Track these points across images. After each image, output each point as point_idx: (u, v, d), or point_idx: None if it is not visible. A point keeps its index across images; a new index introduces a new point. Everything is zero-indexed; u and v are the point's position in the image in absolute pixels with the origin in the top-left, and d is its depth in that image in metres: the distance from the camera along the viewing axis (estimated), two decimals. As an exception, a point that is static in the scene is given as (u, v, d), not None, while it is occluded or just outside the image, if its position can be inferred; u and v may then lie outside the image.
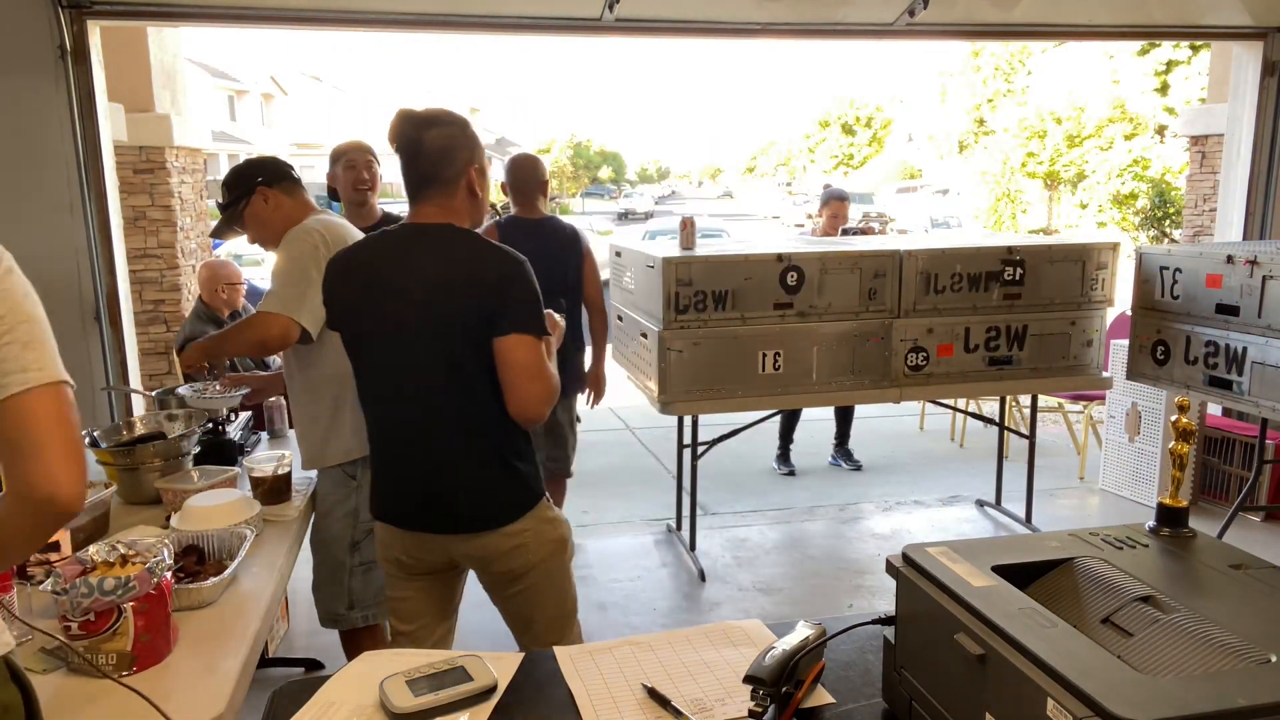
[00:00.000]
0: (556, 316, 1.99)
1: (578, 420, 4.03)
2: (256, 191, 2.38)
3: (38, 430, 1.04)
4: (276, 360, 3.74)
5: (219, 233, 2.53)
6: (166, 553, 1.53)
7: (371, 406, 1.93)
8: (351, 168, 3.43)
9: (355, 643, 2.49)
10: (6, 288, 1.09)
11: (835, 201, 5.29)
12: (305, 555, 3.98)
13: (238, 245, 12.48)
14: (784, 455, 5.48)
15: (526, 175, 3.82)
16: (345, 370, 2.16)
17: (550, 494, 2.00)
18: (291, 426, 2.72)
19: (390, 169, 3.45)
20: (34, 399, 1.05)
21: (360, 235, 2.38)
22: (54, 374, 1.08)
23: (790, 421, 5.45)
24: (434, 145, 1.81)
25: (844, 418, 5.49)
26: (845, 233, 5.29)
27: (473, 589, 2.62)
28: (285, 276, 2.25)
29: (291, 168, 2.50)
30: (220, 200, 2.46)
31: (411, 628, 2.03)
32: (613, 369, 4.43)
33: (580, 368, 3.87)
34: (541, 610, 1.96)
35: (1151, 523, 1.19)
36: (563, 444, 3.94)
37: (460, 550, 1.91)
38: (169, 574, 1.53)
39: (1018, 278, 3.76)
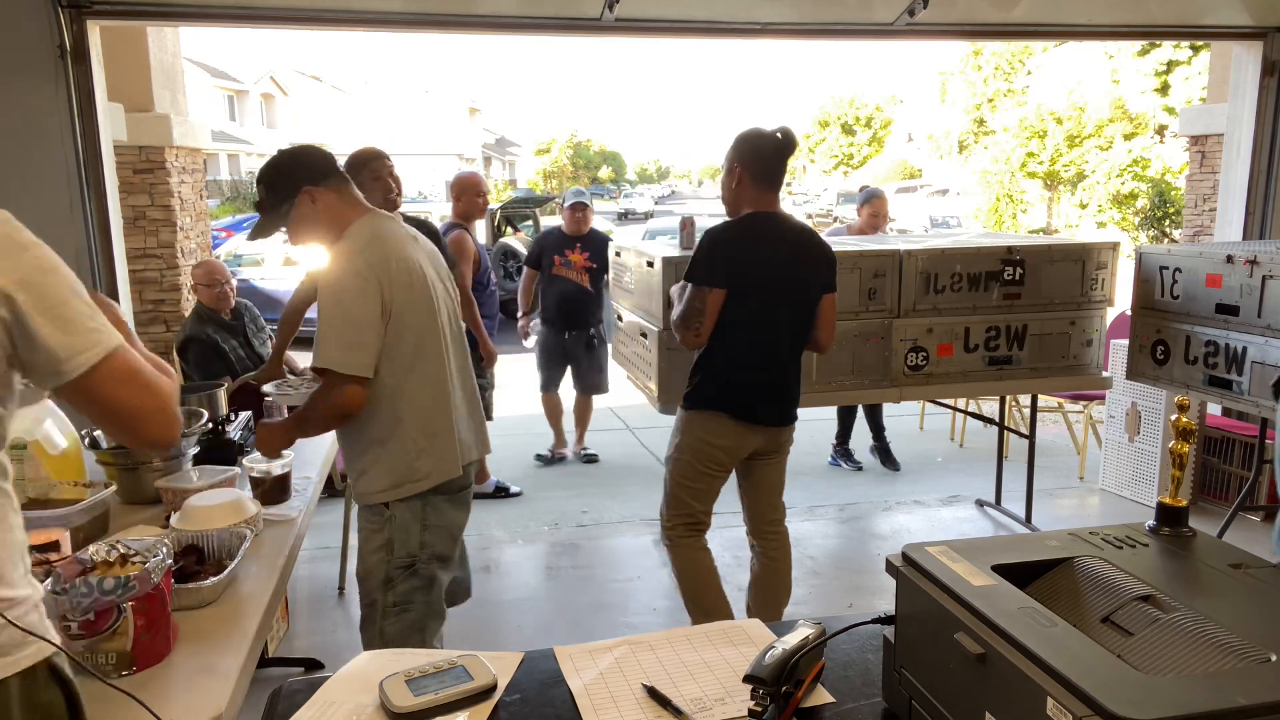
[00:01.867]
0: None
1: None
2: (303, 193, 2.17)
3: (113, 403, 1.17)
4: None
5: (259, 234, 2.27)
6: (166, 552, 1.53)
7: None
8: (377, 178, 3.38)
9: None
10: (25, 277, 1.12)
11: (876, 200, 5.30)
12: (305, 555, 4.00)
13: (238, 245, 12.47)
14: (844, 451, 5.57)
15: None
16: (389, 408, 2.18)
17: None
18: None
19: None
20: (97, 378, 1.14)
21: (410, 233, 2.33)
22: (104, 345, 1.15)
23: (847, 418, 5.54)
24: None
25: (873, 415, 5.53)
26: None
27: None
28: (334, 326, 2.09)
29: (334, 160, 2.29)
30: (258, 199, 2.26)
31: (709, 507, 3.02)
32: (613, 369, 4.44)
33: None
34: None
35: (1151, 522, 1.19)
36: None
37: (782, 439, 3.02)
38: (169, 574, 1.53)
39: (1018, 278, 3.76)
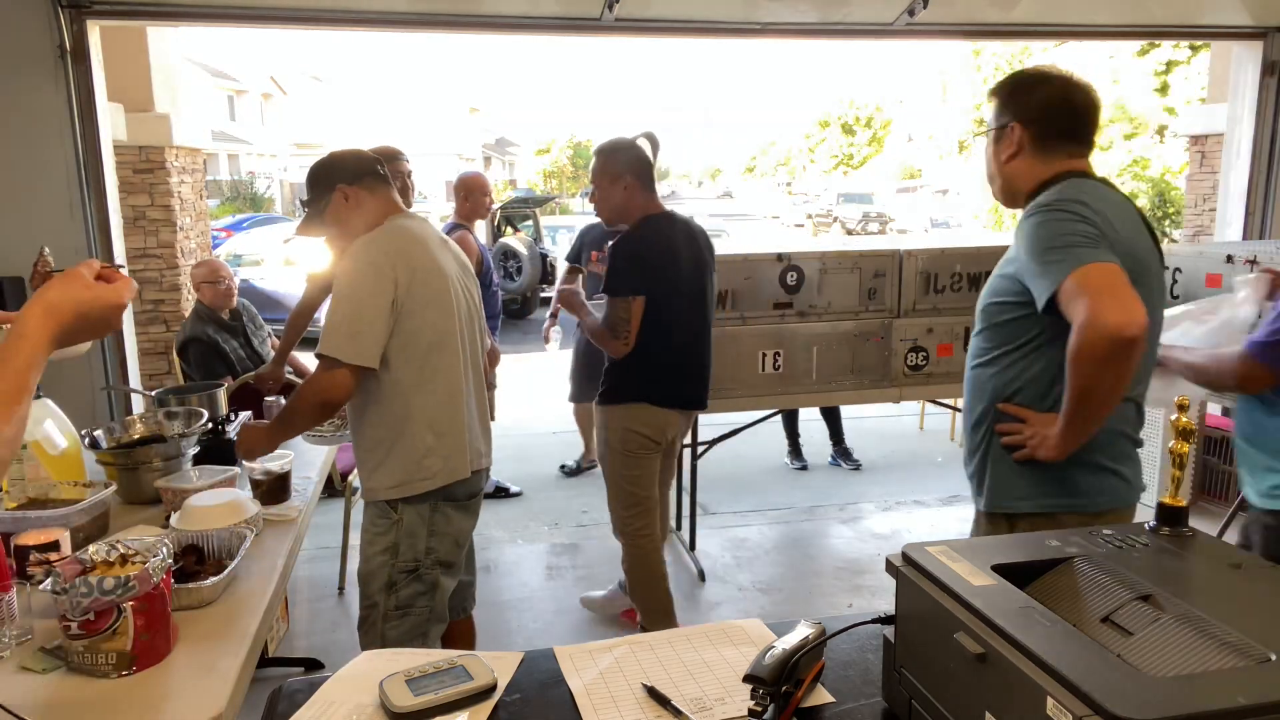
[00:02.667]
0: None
1: None
2: (337, 191, 2.23)
3: None
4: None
5: (302, 231, 2.36)
6: (166, 552, 1.53)
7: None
8: (395, 176, 3.19)
9: None
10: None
11: None
12: (305, 555, 4.00)
13: (238, 245, 12.48)
14: (795, 450, 5.51)
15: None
16: (400, 403, 2.17)
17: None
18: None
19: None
20: None
21: (440, 236, 2.34)
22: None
23: (791, 419, 5.47)
24: None
25: (832, 417, 5.49)
26: None
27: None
28: (342, 314, 2.10)
29: (378, 162, 2.32)
30: (304, 199, 2.34)
31: (652, 491, 3.09)
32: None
33: None
34: None
35: (1151, 522, 1.19)
36: None
37: (688, 424, 3.27)
38: (169, 574, 1.53)
39: (1018, 277, 3.75)
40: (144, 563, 1.48)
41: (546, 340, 5.47)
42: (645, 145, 2.97)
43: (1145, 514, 1.20)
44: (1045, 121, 1.81)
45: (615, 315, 2.88)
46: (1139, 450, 1.85)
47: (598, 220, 4.85)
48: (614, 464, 3.08)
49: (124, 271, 1.19)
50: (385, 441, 2.21)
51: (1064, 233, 1.63)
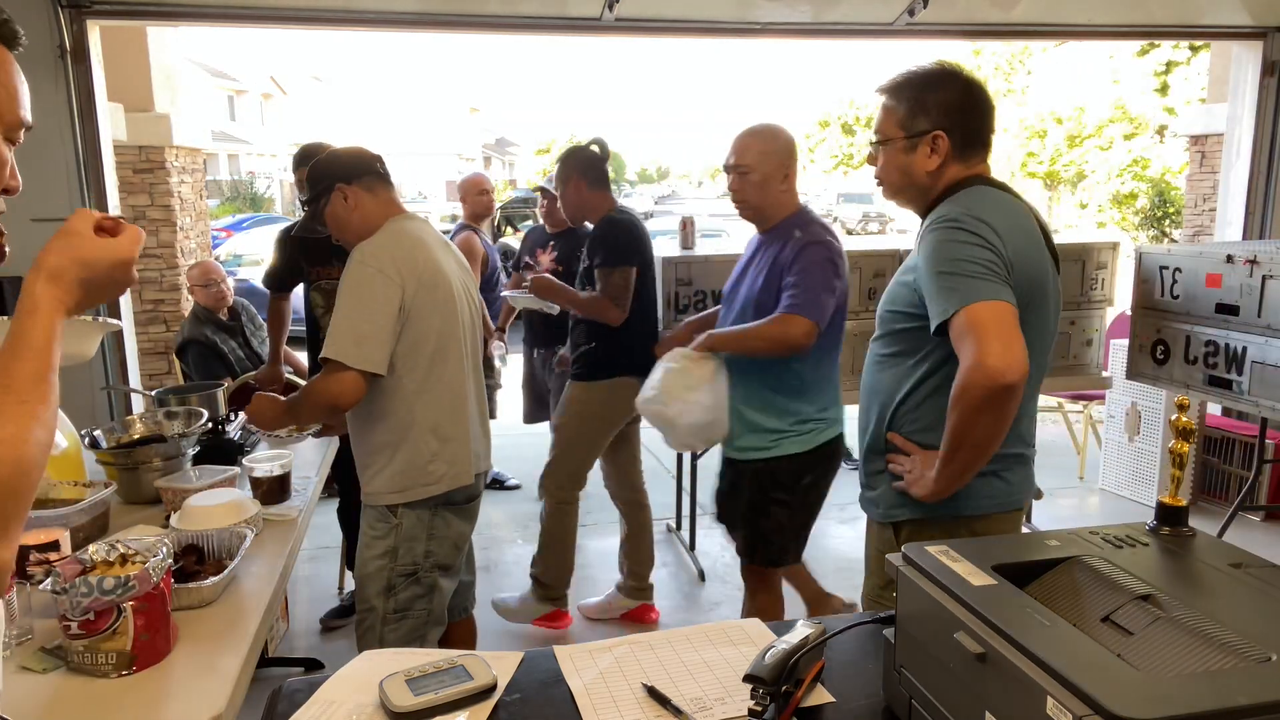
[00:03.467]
0: None
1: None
2: (335, 190, 2.23)
3: None
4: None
5: (305, 229, 2.42)
6: (166, 552, 1.53)
7: None
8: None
9: None
10: None
11: None
12: (305, 555, 4.00)
13: (238, 245, 12.47)
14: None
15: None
16: (404, 409, 2.17)
17: None
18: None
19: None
20: None
21: (441, 239, 2.35)
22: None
23: None
24: None
25: None
26: None
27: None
28: (349, 319, 2.10)
29: (378, 160, 2.30)
30: (302, 196, 2.34)
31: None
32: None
33: None
34: None
35: (1151, 522, 1.19)
36: None
37: None
38: (169, 573, 1.53)
39: (1017, 277, 3.75)
40: (144, 563, 1.48)
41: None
42: (595, 150, 3.30)
43: (1146, 514, 1.20)
44: (967, 126, 1.73)
45: (614, 284, 3.10)
46: (1029, 453, 1.81)
47: (539, 224, 4.72)
48: (585, 435, 3.34)
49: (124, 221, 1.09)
50: (389, 446, 2.21)
51: (963, 257, 1.59)
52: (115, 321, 1.73)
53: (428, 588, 2.27)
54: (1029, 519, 4.39)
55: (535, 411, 4.75)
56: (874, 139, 1.82)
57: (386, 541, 2.23)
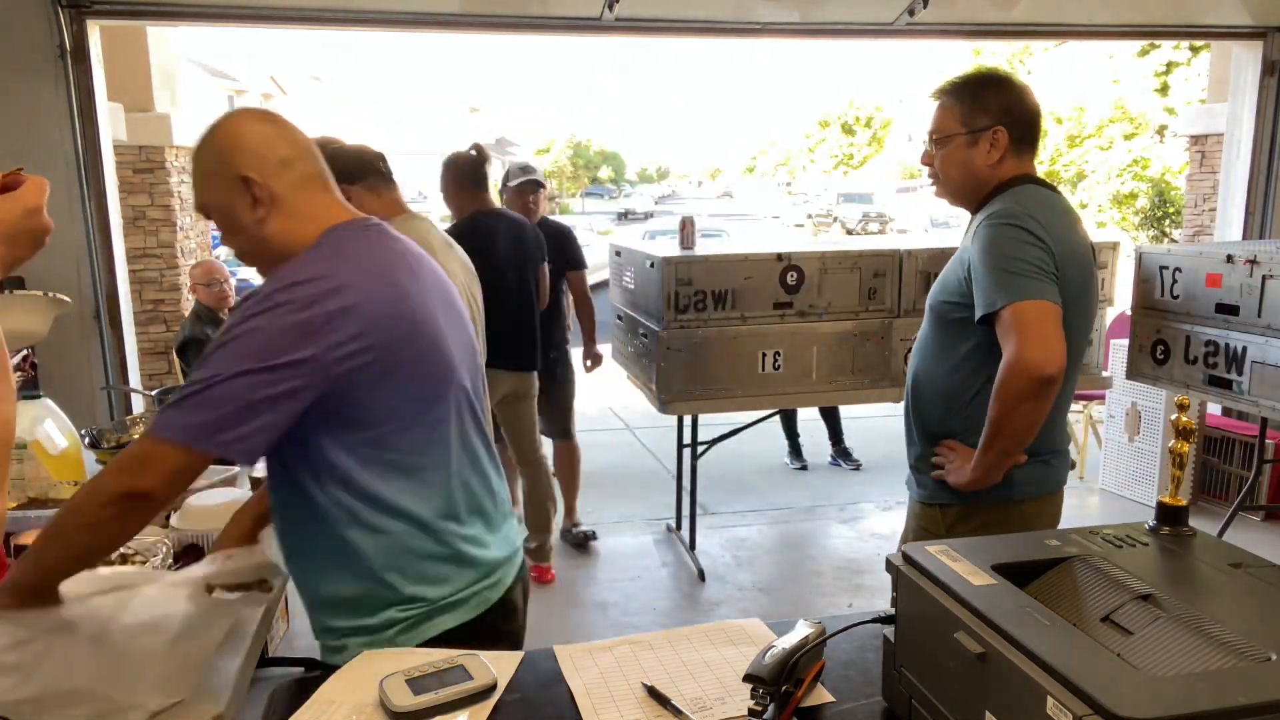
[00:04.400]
0: None
1: None
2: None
3: None
4: None
5: None
6: (165, 552, 1.53)
7: None
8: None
9: None
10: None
11: None
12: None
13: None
14: (795, 450, 5.51)
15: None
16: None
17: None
18: None
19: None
20: None
21: (445, 239, 2.35)
22: None
23: (791, 419, 5.48)
24: None
25: (831, 417, 5.49)
26: None
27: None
28: None
29: (380, 159, 2.26)
30: None
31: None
32: (613, 368, 4.44)
33: None
34: None
35: (1151, 521, 1.19)
36: None
37: (528, 383, 3.79)
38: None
39: (1018, 277, 3.75)
40: (144, 562, 1.48)
41: None
42: (472, 154, 3.57)
43: (1146, 514, 1.20)
44: (1022, 124, 1.83)
45: None
46: (1066, 439, 1.98)
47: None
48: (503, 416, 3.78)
49: (22, 172, 1.11)
50: None
51: (1016, 255, 1.69)
52: (64, 298, 1.72)
53: None
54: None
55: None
56: (931, 137, 1.89)
57: None
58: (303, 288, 1.23)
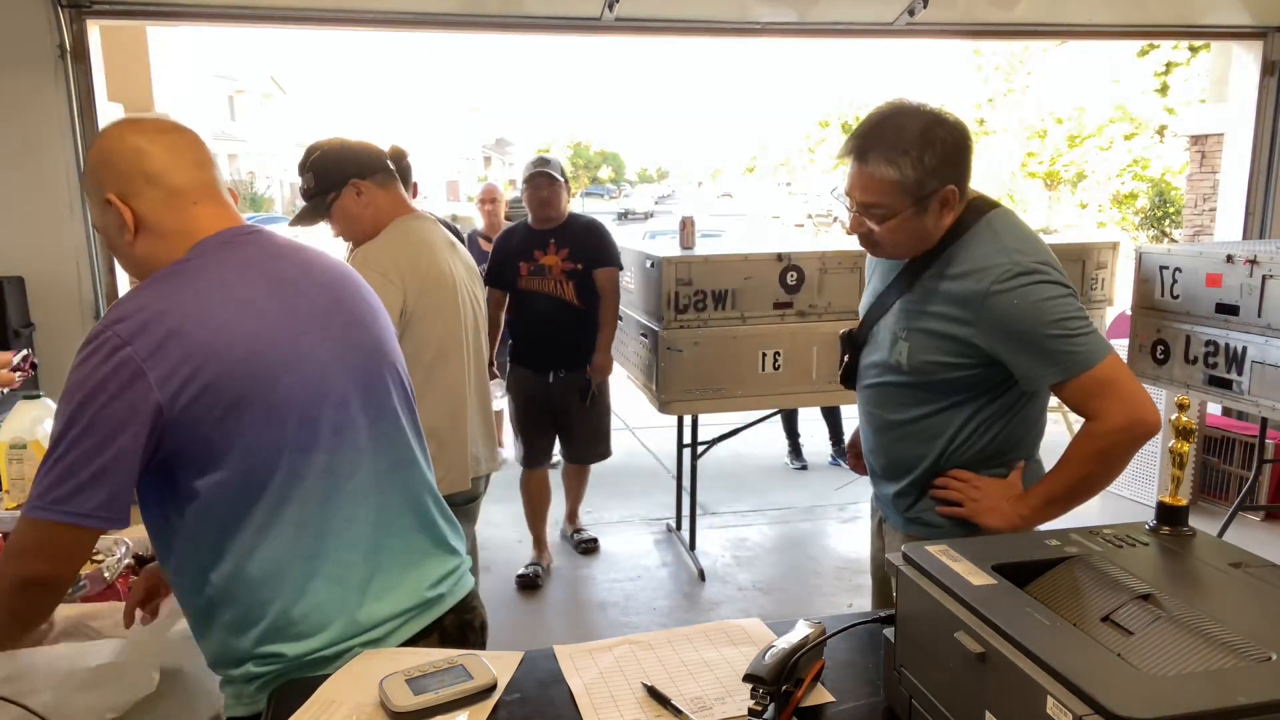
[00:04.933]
0: None
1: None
2: (349, 185, 2.15)
3: None
4: None
5: (301, 221, 2.26)
6: (125, 551, 1.52)
7: None
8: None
9: None
10: None
11: None
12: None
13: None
14: (795, 450, 5.51)
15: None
16: (447, 399, 2.13)
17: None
18: None
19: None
20: None
21: (448, 238, 2.33)
22: None
23: (791, 419, 5.48)
24: None
25: (832, 417, 5.49)
26: None
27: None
28: None
29: (384, 156, 2.26)
30: (304, 186, 2.20)
31: None
32: (615, 382, 4.44)
33: None
34: None
35: (1151, 521, 1.19)
36: None
37: None
38: (127, 573, 1.52)
39: (1018, 277, 3.74)
40: (100, 562, 1.48)
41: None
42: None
43: (1146, 514, 1.20)
44: (966, 162, 1.63)
45: None
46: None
47: (522, 219, 4.54)
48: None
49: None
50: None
51: (1067, 315, 1.56)
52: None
53: None
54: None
55: (540, 447, 3.98)
56: (869, 210, 1.62)
57: None
58: (123, 324, 1.12)
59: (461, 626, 1.39)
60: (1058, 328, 1.56)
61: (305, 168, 2.22)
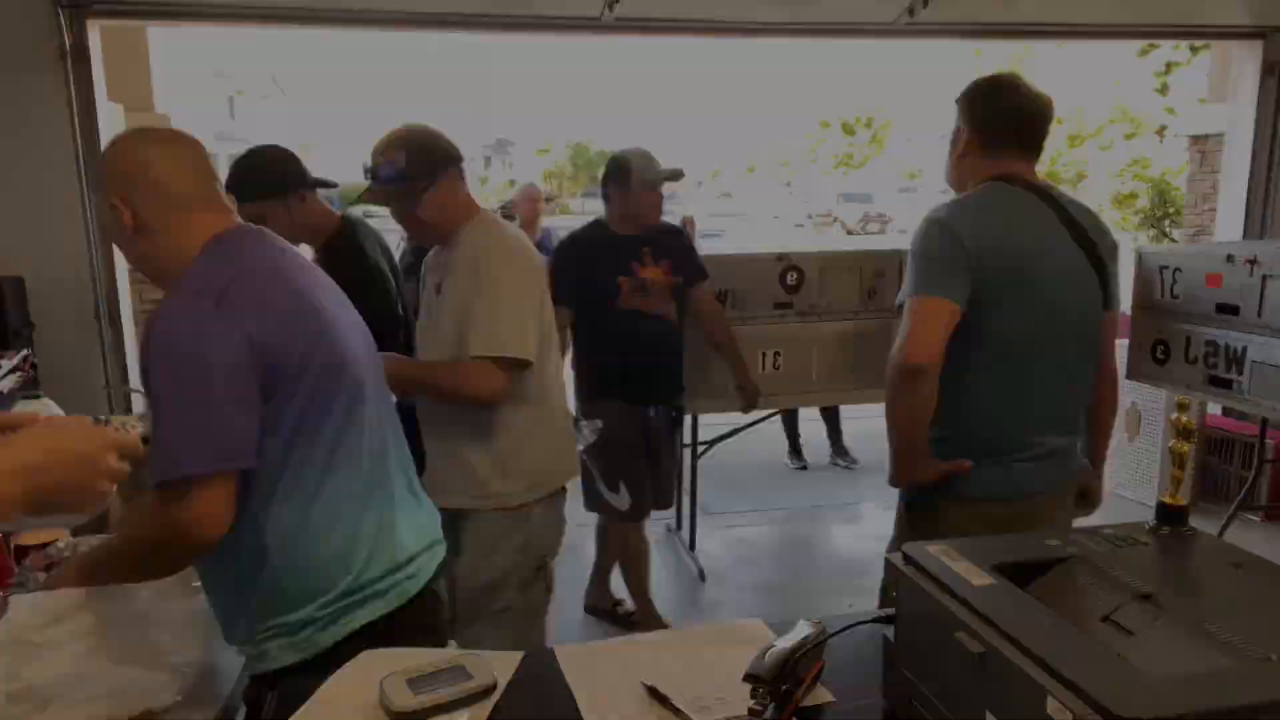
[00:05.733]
0: None
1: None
2: (448, 174, 2.05)
3: None
4: None
5: (377, 200, 2.10)
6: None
7: None
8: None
9: None
10: None
11: None
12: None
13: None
14: (795, 450, 5.51)
15: None
16: (533, 406, 2.09)
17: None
18: None
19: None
20: None
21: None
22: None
23: (791, 419, 5.48)
24: None
25: (832, 417, 5.49)
26: None
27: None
28: (496, 308, 1.97)
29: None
30: (377, 166, 2.04)
31: None
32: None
33: None
34: None
35: (1151, 522, 1.19)
36: None
37: None
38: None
39: (1018, 277, 3.75)
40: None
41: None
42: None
43: (1146, 514, 1.20)
44: (989, 126, 1.91)
45: None
46: (1045, 445, 1.90)
47: (594, 217, 4.63)
48: None
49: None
50: (518, 446, 2.09)
51: (921, 251, 1.82)
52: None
53: (549, 579, 2.25)
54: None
55: (647, 495, 3.32)
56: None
57: (518, 536, 2.12)
58: (210, 284, 1.30)
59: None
60: (912, 258, 1.85)
61: (394, 146, 2.05)
